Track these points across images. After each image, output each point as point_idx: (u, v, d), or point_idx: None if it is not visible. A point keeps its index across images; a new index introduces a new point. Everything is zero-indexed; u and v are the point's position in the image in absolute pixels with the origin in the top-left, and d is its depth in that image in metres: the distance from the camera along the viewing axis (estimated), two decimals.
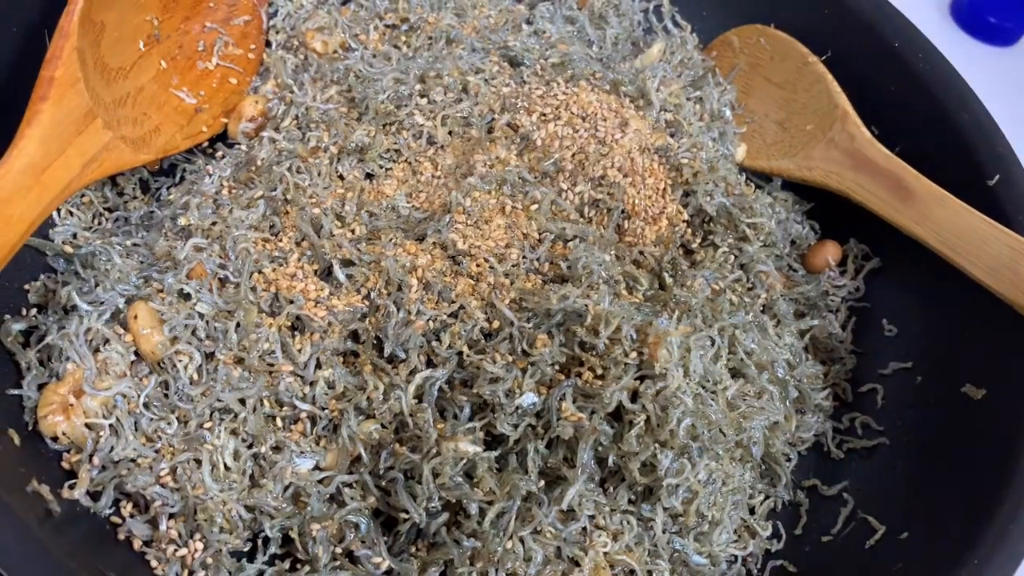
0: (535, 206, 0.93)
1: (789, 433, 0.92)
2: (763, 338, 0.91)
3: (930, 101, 1.05)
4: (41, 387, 0.84)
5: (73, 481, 0.79)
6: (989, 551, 0.77)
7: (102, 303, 0.86)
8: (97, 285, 0.88)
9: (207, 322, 0.85)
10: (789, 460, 0.94)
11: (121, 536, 0.80)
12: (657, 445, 0.79)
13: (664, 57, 1.15)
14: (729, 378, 0.85)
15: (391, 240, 0.89)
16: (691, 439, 0.80)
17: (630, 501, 0.82)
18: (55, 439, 0.81)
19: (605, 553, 0.80)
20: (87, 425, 0.82)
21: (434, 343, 0.84)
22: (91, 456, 0.81)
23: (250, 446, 0.83)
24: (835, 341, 1.02)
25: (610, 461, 0.81)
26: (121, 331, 0.85)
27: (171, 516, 0.80)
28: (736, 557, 0.87)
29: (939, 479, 0.89)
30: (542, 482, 0.81)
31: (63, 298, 0.87)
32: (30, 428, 0.82)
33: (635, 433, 0.79)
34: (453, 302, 0.86)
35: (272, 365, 0.84)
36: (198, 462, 0.80)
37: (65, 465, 0.82)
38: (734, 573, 0.87)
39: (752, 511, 0.90)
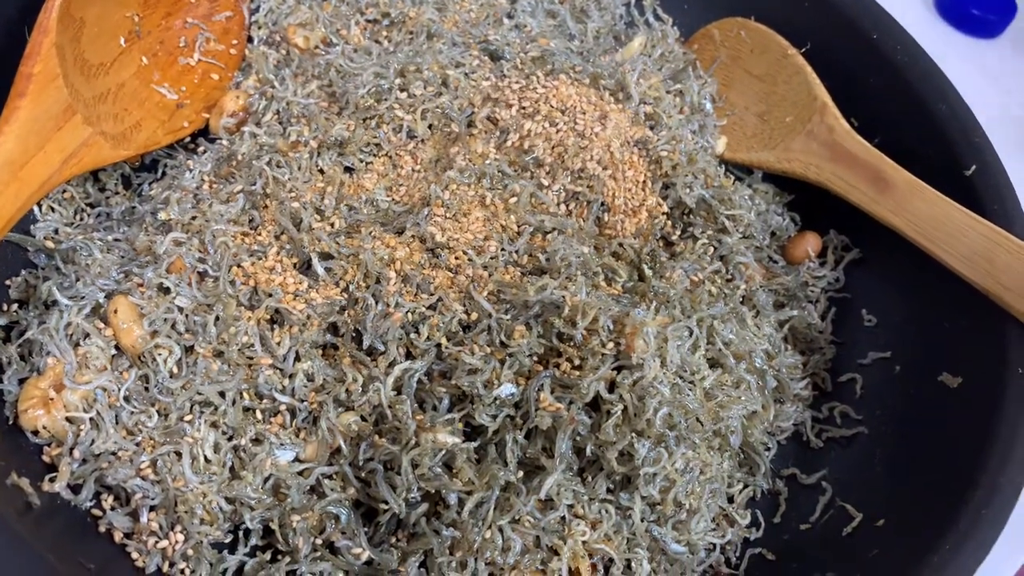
0: (514, 199, 0.94)
1: (767, 422, 0.93)
2: (741, 328, 0.92)
3: (909, 93, 1.05)
4: (22, 382, 0.84)
5: (54, 474, 0.80)
6: (962, 537, 0.78)
7: (82, 298, 0.87)
8: (78, 280, 0.89)
9: (187, 316, 0.85)
10: (768, 449, 0.94)
11: (102, 528, 0.81)
12: (634, 434, 0.80)
13: (645, 50, 1.16)
14: (707, 368, 0.86)
15: (370, 233, 0.89)
16: (668, 428, 0.80)
17: (608, 490, 0.83)
18: (36, 433, 0.82)
19: (584, 542, 0.81)
20: (68, 419, 0.82)
21: (413, 335, 0.85)
22: (72, 449, 0.81)
23: (230, 438, 0.83)
24: (814, 331, 1.03)
25: (588, 451, 0.82)
26: (101, 325, 0.85)
27: (152, 508, 0.81)
28: (714, 545, 0.88)
29: (916, 467, 0.89)
30: (521, 472, 0.82)
31: (44, 293, 0.88)
32: (11, 422, 0.82)
33: (612, 423, 0.80)
34: (431, 294, 0.87)
35: (251, 358, 0.84)
36: (178, 455, 0.81)
37: (46, 459, 0.82)
38: (712, 560, 0.88)
39: (731, 500, 0.91)
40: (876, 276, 1.06)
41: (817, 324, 1.03)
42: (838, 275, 1.07)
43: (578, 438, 0.82)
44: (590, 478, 0.83)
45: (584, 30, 1.17)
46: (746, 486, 0.92)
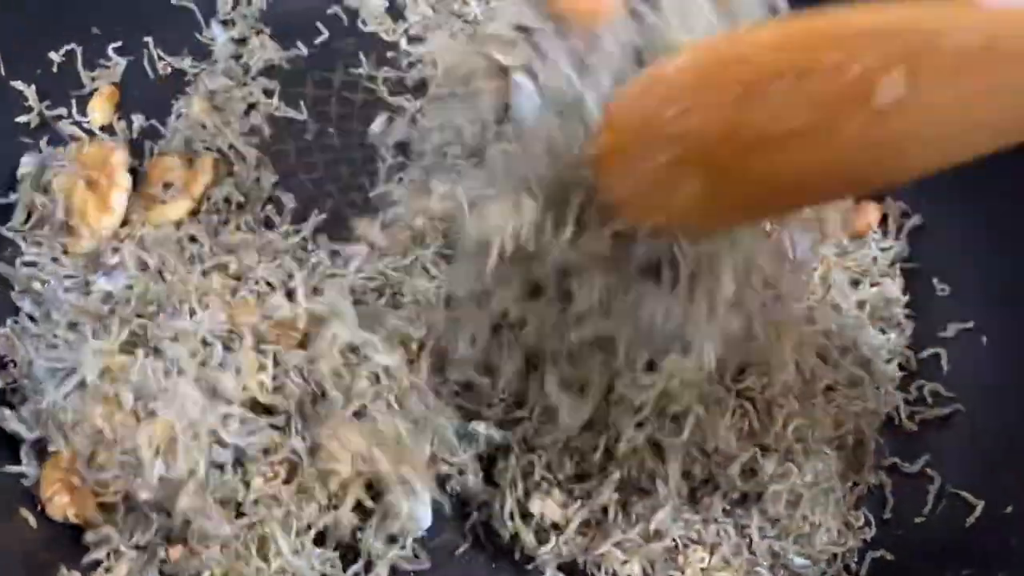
0: None
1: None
2: (837, 315, 0.85)
3: None
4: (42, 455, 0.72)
5: (109, 564, 0.68)
6: None
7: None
8: None
9: None
10: (876, 444, 0.87)
11: None
12: (758, 449, 0.72)
13: None
14: (822, 365, 0.79)
15: None
16: (796, 441, 0.73)
17: (724, 511, 0.75)
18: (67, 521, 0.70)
19: (703, 569, 0.73)
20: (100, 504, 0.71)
21: None
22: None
23: None
24: (895, 307, 0.96)
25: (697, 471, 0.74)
26: None
27: None
28: (835, 555, 0.81)
29: None
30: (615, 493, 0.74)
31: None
32: (39, 509, 0.71)
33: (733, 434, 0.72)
34: None
35: None
36: None
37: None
38: (834, 572, 0.81)
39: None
40: (942, 242, 0.99)
41: (898, 299, 0.96)
42: (903, 244, 1.01)
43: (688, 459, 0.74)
44: (705, 497, 0.75)
45: None
46: (855, 484, 0.85)
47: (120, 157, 0.87)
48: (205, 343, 0.75)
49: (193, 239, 0.84)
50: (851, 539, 0.81)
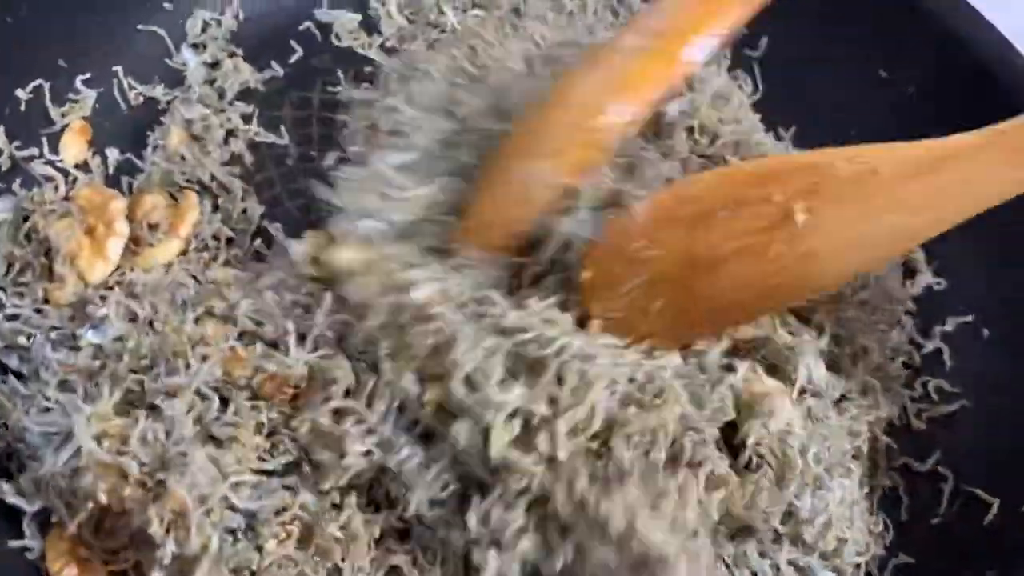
0: None
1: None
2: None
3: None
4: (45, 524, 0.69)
5: None
6: None
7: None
8: None
9: None
10: (887, 445, 0.87)
11: None
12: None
13: None
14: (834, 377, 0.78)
15: None
16: (817, 464, 0.72)
17: (761, 554, 0.74)
18: None
19: None
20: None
21: None
22: None
23: None
24: (895, 303, 0.96)
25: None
26: None
27: None
28: (858, 564, 0.81)
29: None
30: None
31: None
32: None
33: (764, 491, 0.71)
34: None
35: None
36: None
37: None
38: None
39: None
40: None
41: (897, 293, 0.96)
42: None
43: None
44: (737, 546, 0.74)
45: None
46: (871, 489, 0.85)
47: (119, 204, 0.83)
48: (201, 396, 0.72)
49: (183, 284, 0.81)
50: (874, 546, 0.81)
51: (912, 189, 0.65)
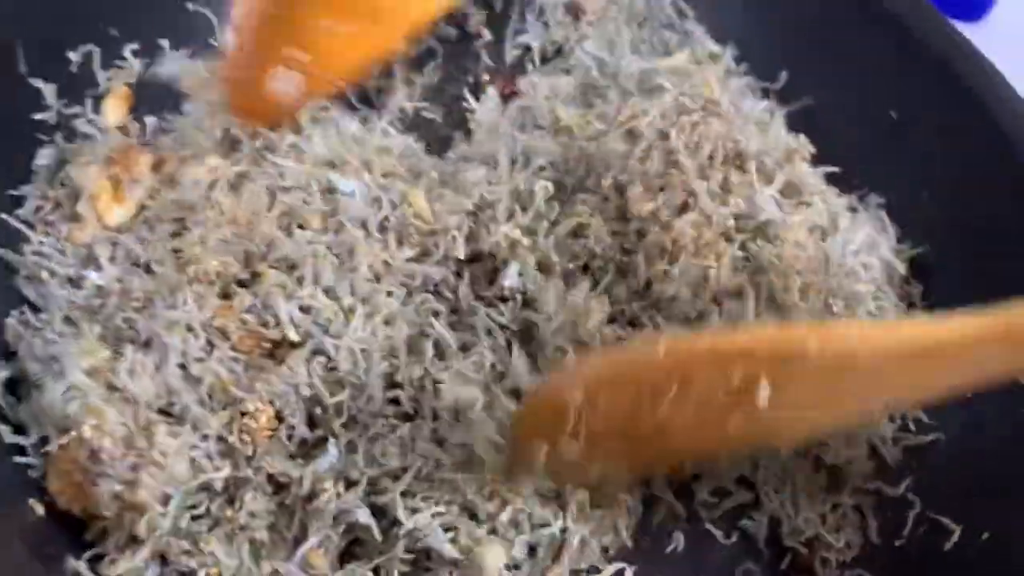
0: None
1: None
2: None
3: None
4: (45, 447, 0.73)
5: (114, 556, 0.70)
6: None
7: None
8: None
9: None
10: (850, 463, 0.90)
11: None
12: None
13: None
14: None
15: None
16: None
17: None
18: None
19: None
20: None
21: None
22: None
23: None
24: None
25: None
26: None
27: None
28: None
29: (1010, 474, 0.86)
30: None
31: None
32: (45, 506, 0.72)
33: None
34: None
35: None
36: None
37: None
38: None
39: (823, 520, 0.87)
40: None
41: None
42: None
43: None
44: None
45: None
46: (835, 506, 0.88)
47: (146, 158, 0.88)
48: (192, 332, 0.76)
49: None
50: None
51: (891, 372, 0.62)
